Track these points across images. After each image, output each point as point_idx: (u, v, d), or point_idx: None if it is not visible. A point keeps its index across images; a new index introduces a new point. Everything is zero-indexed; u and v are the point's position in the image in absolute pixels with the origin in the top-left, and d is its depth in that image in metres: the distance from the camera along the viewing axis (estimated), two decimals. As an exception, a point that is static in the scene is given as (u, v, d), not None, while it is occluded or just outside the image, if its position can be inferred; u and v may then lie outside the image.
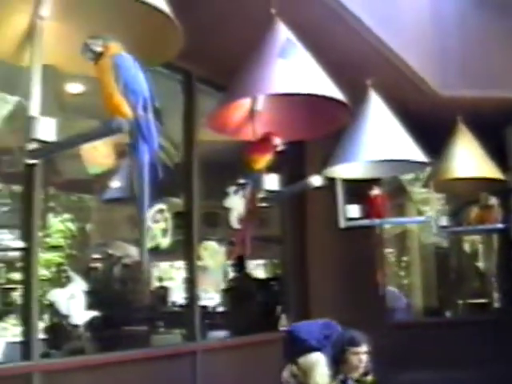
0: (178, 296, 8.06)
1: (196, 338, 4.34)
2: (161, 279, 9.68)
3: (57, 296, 4.03)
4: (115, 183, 5.55)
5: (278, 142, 3.30)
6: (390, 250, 8.76)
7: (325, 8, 3.72)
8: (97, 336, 5.00)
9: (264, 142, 3.33)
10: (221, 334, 8.01)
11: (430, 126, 4.96)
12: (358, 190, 4.45)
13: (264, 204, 3.37)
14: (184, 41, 2.16)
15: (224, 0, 3.64)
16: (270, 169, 3.39)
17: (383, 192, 4.66)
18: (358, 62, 4.29)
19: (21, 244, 3.57)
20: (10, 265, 10.35)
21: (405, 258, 8.97)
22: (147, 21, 2.12)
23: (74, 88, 4.47)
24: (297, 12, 3.47)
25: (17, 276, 10.21)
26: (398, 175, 4.62)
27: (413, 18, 5.15)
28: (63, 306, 3.94)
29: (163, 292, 8.53)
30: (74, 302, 4.02)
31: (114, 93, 1.90)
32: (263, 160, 3.34)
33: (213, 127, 3.31)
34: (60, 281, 10.62)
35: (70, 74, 2.48)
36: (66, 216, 11.89)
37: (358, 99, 4.11)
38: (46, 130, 2.09)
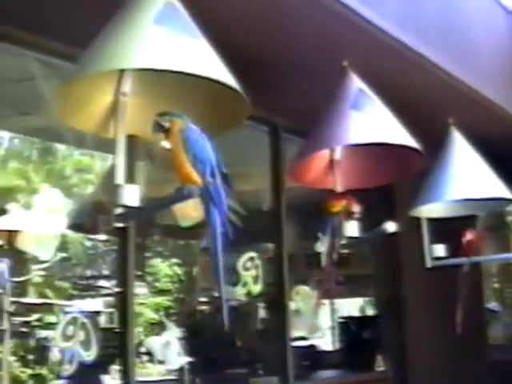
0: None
1: (289, 381, 4.44)
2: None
3: (152, 343, 4.25)
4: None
5: (356, 209, 3.40)
6: (495, 284, 8.55)
7: (398, 54, 3.81)
8: (198, 379, 5.18)
9: (343, 196, 3.44)
10: (329, 373, 8.04)
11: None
12: (446, 228, 4.44)
13: (345, 250, 3.47)
14: (250, 110, 2.32)
15: (301, 56, 3.80)
16: (353, 214, 3.45)
17: (480, 228, 4.61)
18: (437, 102, 4.34)
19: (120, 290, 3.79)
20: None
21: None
22: (216, 94, 2.30)
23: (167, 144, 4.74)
24: (370, 61, 3.58)
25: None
26: (483, 213, 4.57)
27: (489, 46, 5.11)
28: (159, 353, 4.14)
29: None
30: (169, 348, 4.21)
31: (184, 163, 2.10)
32: (339, 204, 3.45)
33: (294, 179, 3.47)
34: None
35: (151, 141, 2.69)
36: (174, 260, 12.33)
37: (440, 137, 4.17)
38: (131, 196, 2.29)
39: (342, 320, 11.27)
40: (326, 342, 12.43)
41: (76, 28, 2.46)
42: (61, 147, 9.68)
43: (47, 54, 3.48)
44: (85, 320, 3.35)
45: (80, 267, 12.78)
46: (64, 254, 11.25)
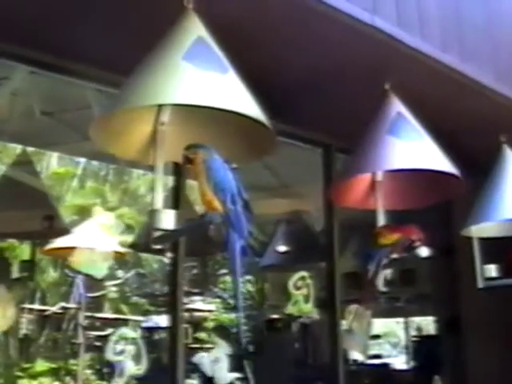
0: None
1: (341, 400, 4.48)
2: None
3: (201, 359, 4.37)
4: (272, 249, 5.90)
5: (415, 237, 3.36)
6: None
7: (442, 75, 3.83)
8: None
9: (401, 227, 3.44)
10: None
11: None
12: (501, 248, 4.40)
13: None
14: (276, 141, 2.44)
15: (346, 80, 3.87)
16: (413, 242, 3.39)
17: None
18: (486, 121, 4.30)
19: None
20: (197, 325, 11.07)
21: None
22: (246, 124, 2.42)
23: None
24: (413, 83, 3.62)
25: (203, 335, 10.91)
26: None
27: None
28: (208, 369, 4.26)
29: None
30: (218, 365, 4.32)
31: (206, 191, 2.25)
32: (392, 237, 3.43)
33: (336, 201, 3.55)
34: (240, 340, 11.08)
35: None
36: (247, 277, 12.47)
37: (492, 156, 4.16)
38: (167, 220, 2.45)
39: (415, 339, 11.15)
40: (401, 360, 12.29)
41: (125, 60, 2.63)
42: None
43: (104, 85, 3.70)
44: (135, 335, 3.52)
45: (158, 284, 13.11)
46: (141, 271, 11.62)
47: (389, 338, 15.54)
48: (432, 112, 3.50)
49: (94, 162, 10.47)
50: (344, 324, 4.55)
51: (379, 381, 8.21)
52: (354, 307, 4.72)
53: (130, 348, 3.44)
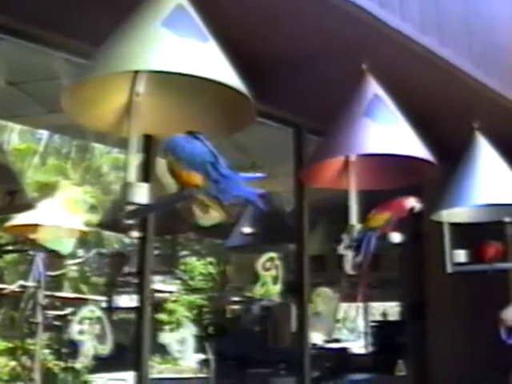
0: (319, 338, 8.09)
1: (305, 382, 4.46)
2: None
3: (168, 339, 4.30)
4: (238, 230, 5.83)
5: (411, 204, 3.23)
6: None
7: (419, 57, 3.81)
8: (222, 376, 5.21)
9: (394, 202, 3.29)
10: (361, 376, 8.03)
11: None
12: (467, 234, 4.41)
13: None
14: (256, 112, 2.36)
15: (321, 59, 3.83)
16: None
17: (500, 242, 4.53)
18: (460, 106, 4.31)
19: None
20: (158, 306, 10.99)
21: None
22: (225, 95, 2.34)
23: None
24: (390, 64, 3.59)
25: (163, 317, 10.82)
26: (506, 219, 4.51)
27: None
28: (173, 349, 4.21)
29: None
30: (184, 345, 4.27)
31: (178, 172, 2.10)
32: (381, 217, 3.28)
33: (308, 182, 3.48)
34: (201, 322, 11.10)
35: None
36: (209, 259, 12.43)
37: (465, 142, 4.15)
38: (141, 194, 2.34)
39: (374, 324, 11.27)
40: (360, 345, 12.41)
41: (97, 29, 2.53)
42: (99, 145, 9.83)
43: (73, 54, 3.57)
44: (101, 314, 3.43)
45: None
46: (102, 251, 11.47)
47: (347, 323, 15.63)
48: (407, 95, 3.46)
49: (56, 139, 10.26)
50: (311, 307, 4.53)
51: (338, 364, 8.27)
52: (322, 290, 4.70)
53: (95, 327, 3.35)
